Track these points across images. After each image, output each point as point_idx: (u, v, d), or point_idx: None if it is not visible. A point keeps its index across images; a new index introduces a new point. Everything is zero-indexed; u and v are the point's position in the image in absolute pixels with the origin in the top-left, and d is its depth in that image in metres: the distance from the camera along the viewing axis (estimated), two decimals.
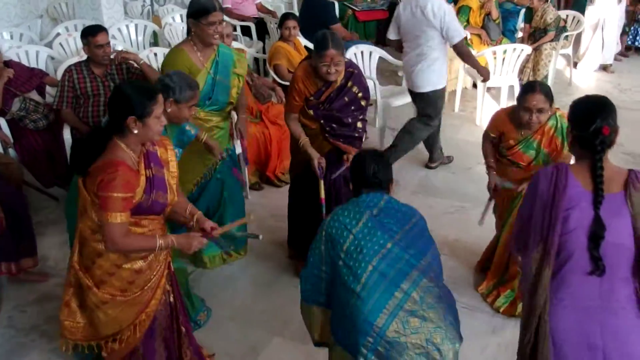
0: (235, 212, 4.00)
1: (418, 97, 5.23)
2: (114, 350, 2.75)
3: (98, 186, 2.43)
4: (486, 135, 3.77)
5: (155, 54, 5.93)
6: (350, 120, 3.69)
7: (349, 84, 3.65)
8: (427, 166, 5.60)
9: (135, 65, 4.54)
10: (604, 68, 8.53)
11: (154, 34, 7.03)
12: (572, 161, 2.38)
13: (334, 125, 3.68)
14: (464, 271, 4.12)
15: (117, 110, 2.51)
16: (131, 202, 2.49)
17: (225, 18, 7.02)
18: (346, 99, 3.65)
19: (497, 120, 3.67)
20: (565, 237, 2.19)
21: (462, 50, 5.11)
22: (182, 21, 7.46)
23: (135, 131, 2.49)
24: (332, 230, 2.49)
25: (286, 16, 5.57)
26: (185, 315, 3.03)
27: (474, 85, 7.22)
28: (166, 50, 5.96)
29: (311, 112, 3.67)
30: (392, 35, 5.23)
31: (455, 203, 4.97)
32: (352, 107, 3.70)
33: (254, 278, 4.12)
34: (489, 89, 6.67)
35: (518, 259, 2.51)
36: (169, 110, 3.12)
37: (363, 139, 3.85)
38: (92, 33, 4.47)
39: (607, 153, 2.22)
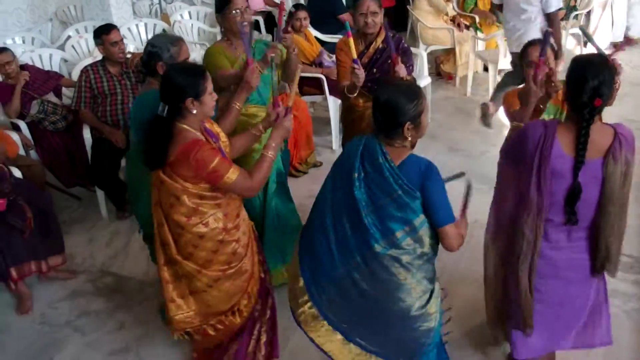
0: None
1: None
2: (233, 323, 2.89)
3: (197, 167, 2.50)
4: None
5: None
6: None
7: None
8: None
9: None
10: (614, 46, 8.49)
11: (164, 31, 7.07)
12: None
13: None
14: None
15: (172, 96, 2.55)
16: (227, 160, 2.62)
17: None
18: (389, 62, 3.61)
19: (506, 103, 3.65)
20: (547, 197, 2.41)
21: (554, 20, 5.50)
22: (190, 18, 7.51)
23: (194, 111, 2.57)
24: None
25: (297, 7, 5.60)
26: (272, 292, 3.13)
27: (485, 69, 7.23)
28: None
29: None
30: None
31: (474, 185, 4.98)
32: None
33: None
34: (499, 71, 6.66)
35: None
36: (162, 72, 3.08)
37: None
38: (105, 31, 4.53)
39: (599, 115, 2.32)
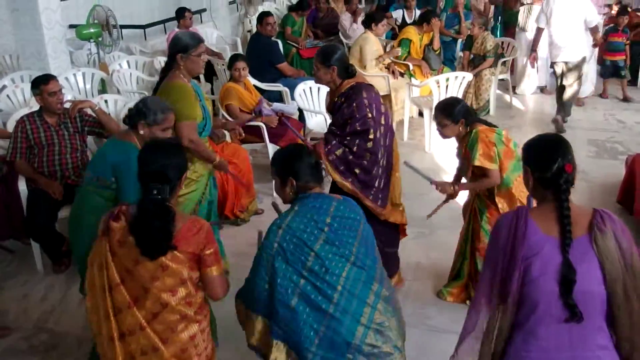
0: None
1: (574, 64, 6.99)
2: None
3: (205, 244, 2.46)
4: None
5: (106, 101, 5.94)
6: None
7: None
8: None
9: (90, 112, 4.59)
10: (541, 90, 8.92)
11: (102, 81, 7.04)
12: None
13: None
14: (430, 294, 4.23)
15: (173, 175, 2.49)
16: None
17: None
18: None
19: None
20: (528, 287, 2.07)
21: (594, 29, 7.08)
22: (129, 67, 7.51)
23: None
24: (289, 246, 2.50)
25: (236, 57, 5.70)
26: None
27: (420, 114, 7.46)
28: (117, 97, 6.04)
29: None
30: (542, 23, 7.12)
31: (414, 229, 5.08)
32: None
33: None
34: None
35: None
36: (141, 132, 3.26)
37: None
38: (43, 81, 4.51)
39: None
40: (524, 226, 2.09)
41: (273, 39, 7.56)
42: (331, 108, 3.82)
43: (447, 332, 3.82)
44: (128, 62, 7.63)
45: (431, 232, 4.79)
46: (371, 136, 3.65)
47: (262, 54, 6.89)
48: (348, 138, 3.66)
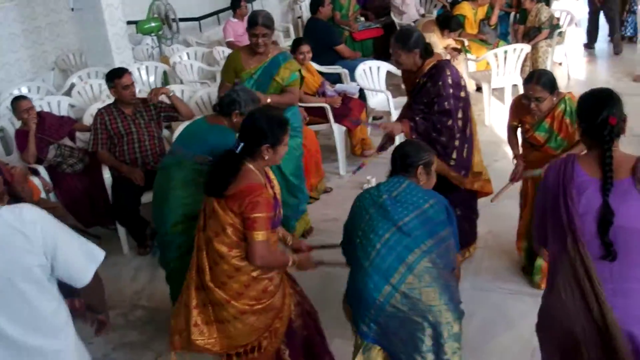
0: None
1: None
2: (255, 358, 2.92)
3: (246, 208, 2.66)
4: (509, 127, 4.00)
5: (173, 91, 6.13)
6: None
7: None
8: None
9: (165, 99, 4.80)
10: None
11: (164, 73, 7.27)
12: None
13: None
14: (502, 260, 4.32)
15: (252, 138, 2.76)
16: (272, 220, 2.75)
17: None
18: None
19: (514, 107, 3.92)
20: (575, 221, 2.22)
21: None
22: (188, 58, 7.72)
23: (267, 157, 2.78)
24: (356, 207, 2.90)
25: (299, 41, 5.80)
26: (318, 321, 3.20)
27: (478, 89, 7.47)
28: (182, 87, 6.25)
29: None
30: None
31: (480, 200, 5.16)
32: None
33: None
34: (494, 90, 6.91)
35: (542, 251, 2.55)
36: (235, 120, 3.47)
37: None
38: (118, 75, 4.72)
39: (617, 142, 2.26)
40: (571, 169, 2.27)
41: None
42: (412, 88, 3.87)
43: (521, 293, 3.93)
44: (187, 53, 7.84)
45: (497, 202, 4.86)
46: (458, 115, 3.74)
47: (320, 38, 6.97)
48: (434, 117, 3.73)
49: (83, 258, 2.26)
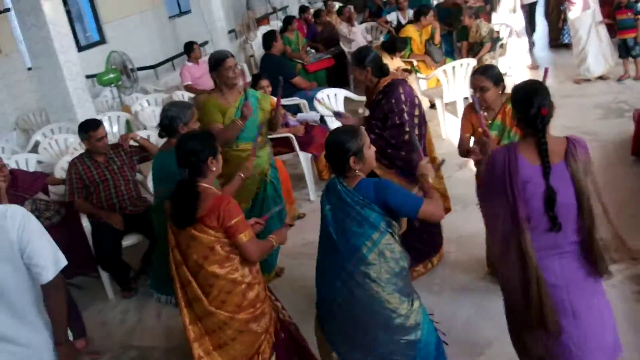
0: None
1: None
2: None
3: (224, 219, 2.87)
4: (461, 139, 4.16)
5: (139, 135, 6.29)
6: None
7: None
8: None
9: (134, 142, 4.98)
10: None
11: (127, 122, 7.40)
12: None
13: None
14: (475, 261, 4.54)
15: (192, 160, 2.97)
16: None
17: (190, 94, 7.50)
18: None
19: (465, 116, 4.11)
20: (523, 206, 2.60)
21: None
22: (149, 105, 7.88)
23: (214, 168, 3.03)
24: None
25: (258, 77, 6.01)
26: (298, 330, 3.40)
27: (432, 106, 7.79)
28: (148, 132, 6.39)
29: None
30: None
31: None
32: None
33: None
34: (446, 104, 7.24)
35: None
36: (183, 132, 3.66)
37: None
38: (93, 128, 4.79)
39: (548, 127, 2.62)
40: (515, 160, 2.61)
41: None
42: (370, 104, 4.15)
43: (499, 290, 4.12)
44: (148, 100, 7.99)
45: (464, 208, 5.10)
46: (407, 128, 3.98)
47: (276, 72, 7.20)
48: (386, 132, 3.99)
49: (49, 255, 2.58)
